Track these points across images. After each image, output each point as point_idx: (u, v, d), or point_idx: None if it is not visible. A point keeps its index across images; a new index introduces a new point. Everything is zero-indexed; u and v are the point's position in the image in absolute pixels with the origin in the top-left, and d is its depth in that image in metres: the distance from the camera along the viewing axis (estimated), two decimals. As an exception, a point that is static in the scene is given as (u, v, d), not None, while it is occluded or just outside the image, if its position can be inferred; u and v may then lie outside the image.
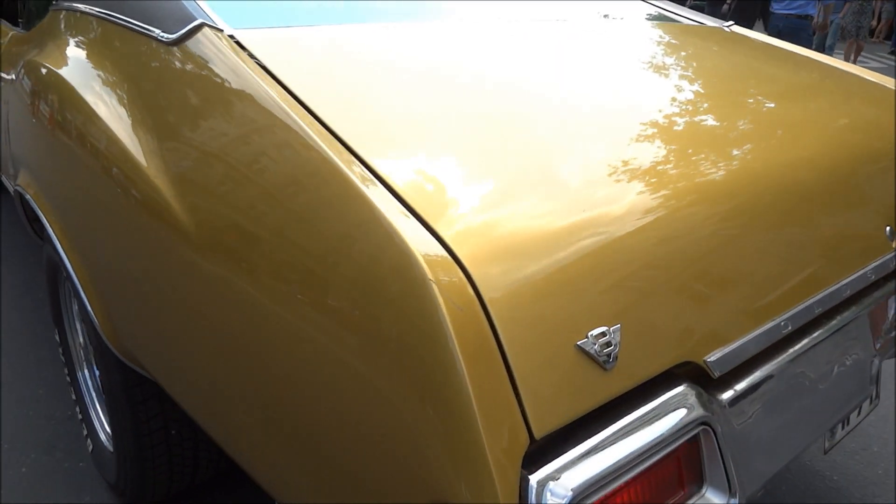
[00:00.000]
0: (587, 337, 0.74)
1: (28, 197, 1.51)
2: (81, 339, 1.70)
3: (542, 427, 0.69)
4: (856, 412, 1.22)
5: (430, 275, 0.68)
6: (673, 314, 0.83)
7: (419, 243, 0.71)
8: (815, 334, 1.03)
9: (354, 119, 0.90)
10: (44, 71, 1.45)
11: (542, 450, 0.71)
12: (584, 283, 0.76)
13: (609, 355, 0.76)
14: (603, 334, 0.76)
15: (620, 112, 1.10)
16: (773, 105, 1.25)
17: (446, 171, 0.83)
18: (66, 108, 1.30)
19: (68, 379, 1.76)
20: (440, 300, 0.67)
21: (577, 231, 0.79)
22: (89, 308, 1.30)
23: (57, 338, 1.79)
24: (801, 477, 1.75)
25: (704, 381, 0.87)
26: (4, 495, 1.61)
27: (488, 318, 0.69)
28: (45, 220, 1.42)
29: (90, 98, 1.24)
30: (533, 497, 0.67)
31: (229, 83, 0.98)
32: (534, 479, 0.68)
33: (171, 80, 1.11)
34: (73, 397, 1.74)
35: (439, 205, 0.76)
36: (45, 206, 1.45)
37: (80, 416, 1.71)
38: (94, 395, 1.69)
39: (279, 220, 0.83)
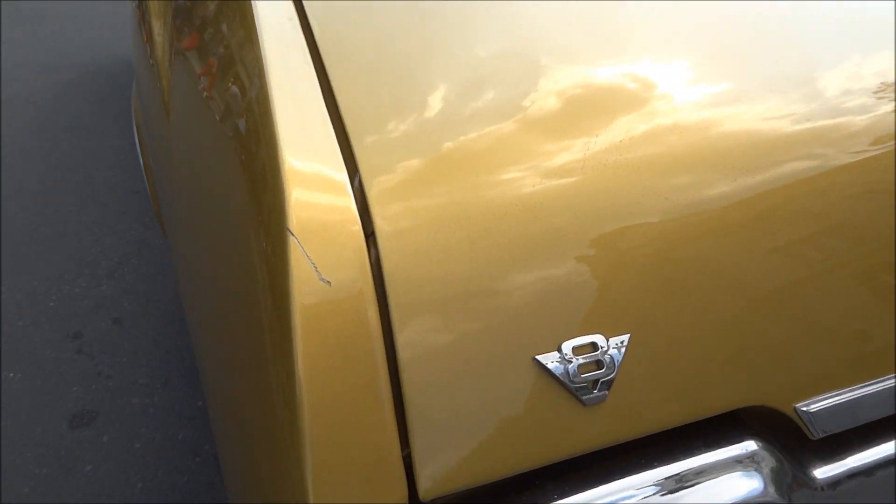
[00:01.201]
0: (558, 350, 0.46)
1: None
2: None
3: (437, 485, 0.43)
4: None
5: (290, 221, 0.44)
6: (742, 322, 0.50)
7: (298, 163, 0.46)
8: None
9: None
10: None
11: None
12: (573, 259, 0.47)
13: (595, 382, 0.46)
14: (590, 347, 0.46)
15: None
16: None
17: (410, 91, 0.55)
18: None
19: None
20: (292, 266, 0.43)
21: (574, 171, 0.49)
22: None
23: None
24: None
25: (792, 442, 0.53)
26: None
27: (382, 299, 0.44)
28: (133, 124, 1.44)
29: None
30: None
31: None
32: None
33: None
34: None
35: (372, 126, 0.51)
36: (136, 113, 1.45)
37: None
38: None
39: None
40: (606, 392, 0.46)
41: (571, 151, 0.49)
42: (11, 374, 1.59)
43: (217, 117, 0.60)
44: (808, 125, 0.52)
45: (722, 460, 0.50)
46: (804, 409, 0.52)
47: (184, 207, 0.74)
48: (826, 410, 0.52)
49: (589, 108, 0.52)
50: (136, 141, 1.38)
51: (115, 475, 1.41)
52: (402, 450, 0.43)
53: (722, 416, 0.51)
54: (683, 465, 0.49)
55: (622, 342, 0.47)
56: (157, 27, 0.95)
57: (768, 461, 0.51)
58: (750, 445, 0.51)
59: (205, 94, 0.65)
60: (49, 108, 2.82)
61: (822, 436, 0.52)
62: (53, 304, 1.79)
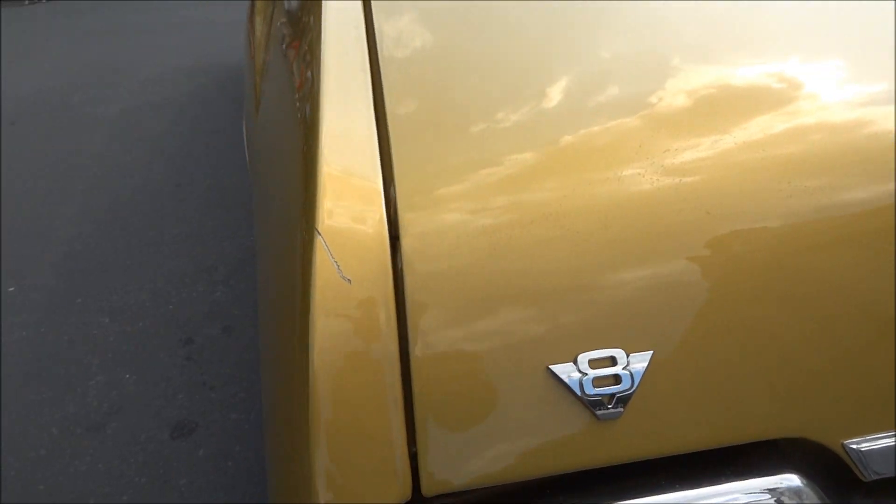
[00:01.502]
0: (574, 361, 0.45)
1: None
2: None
3: (439, 483, 0.44)
4: None
5: (319, 221, 0.47)
6: (791, 343, 0.47)
7: (336, 163, 0.49)
8: None
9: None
10: None
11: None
12: (597, 271, 0.47)
13: (611, 397, 0.45)
14: (609, 361, 0.45)
15: None
16: None
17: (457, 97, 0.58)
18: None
19: None
20: (316, 262, 0.45)
21: (603, 183, 0.48)
22: None
23: None
24: None
25: (838, 480, 0.49)
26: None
27: (402, 301, 0.45)
28: None
29: None
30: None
31: None
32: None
33: None
34: None
35: (415, 125, 0.53)
36: None
37: None
38: None
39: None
40: (622, 408, 0.45)
41: (594, 164, 0.48)
42: (127, 376, 1.71)
43: (281, 115, 0.65)
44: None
45: (756, 492, 0.47)
46: (854, 446, 0.48)
47: (259, 202, 0.80)
48: (881, 451, 0.48)
49: (615, 126, 0.51)
50: (245, 140, 1.48)
51: (206, 493, 1.44)
52: (411, 447, 0.44)
53: (758, 443, 0.48)
54: (708, 492, 0.47)
55: (644, 358, 0.46)
56: (258, 25, 1.03)
57: (810, 499, 0.48)
58: (790, 480, 0.48)
59: (277, 92, 0.71)
60: (192, 112, 3.03)
61: (874, 478, 0.48)
62: (172, 306, 1.92)
